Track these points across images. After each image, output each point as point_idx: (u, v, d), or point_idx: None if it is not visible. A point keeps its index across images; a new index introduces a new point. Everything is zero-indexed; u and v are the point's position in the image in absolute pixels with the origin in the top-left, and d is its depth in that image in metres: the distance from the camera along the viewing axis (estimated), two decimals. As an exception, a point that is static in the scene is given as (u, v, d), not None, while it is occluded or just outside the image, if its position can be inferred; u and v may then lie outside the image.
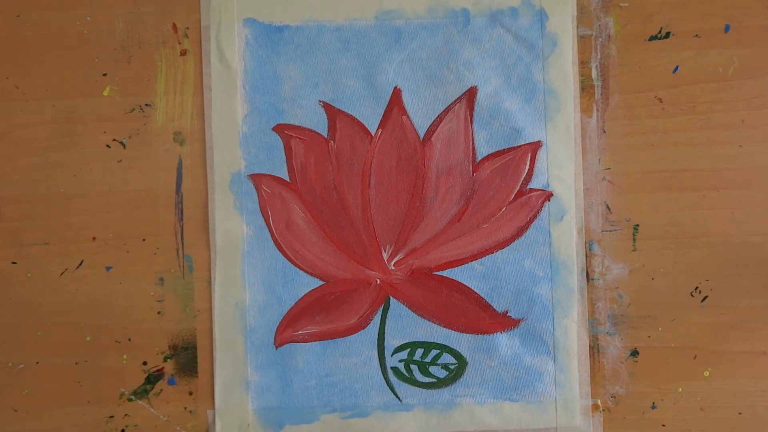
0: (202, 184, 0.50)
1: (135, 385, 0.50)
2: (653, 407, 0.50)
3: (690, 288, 0.50)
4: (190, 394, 0.50)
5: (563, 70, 0.49)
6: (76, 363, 0.50)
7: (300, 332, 0.49)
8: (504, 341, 0.49)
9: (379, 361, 0.49)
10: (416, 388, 0.50)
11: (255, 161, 0.49)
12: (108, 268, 0.49)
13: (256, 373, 0.49)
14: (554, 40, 0.49)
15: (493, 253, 0.49)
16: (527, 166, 0.49)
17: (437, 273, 0.49)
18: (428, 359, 0.49)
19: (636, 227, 0.49)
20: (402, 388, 0.50)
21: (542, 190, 0.49)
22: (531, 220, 0.49)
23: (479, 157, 0.49)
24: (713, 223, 0.49)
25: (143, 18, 0.50)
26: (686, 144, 0.50)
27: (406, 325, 0.49)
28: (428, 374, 0.50)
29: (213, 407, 0.49)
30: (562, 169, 0.49)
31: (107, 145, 0.50)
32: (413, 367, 0.50)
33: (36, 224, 0.49)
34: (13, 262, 0.49)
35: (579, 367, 0.49)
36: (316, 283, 0.49)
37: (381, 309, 0.49)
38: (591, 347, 0.49)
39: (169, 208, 0.50)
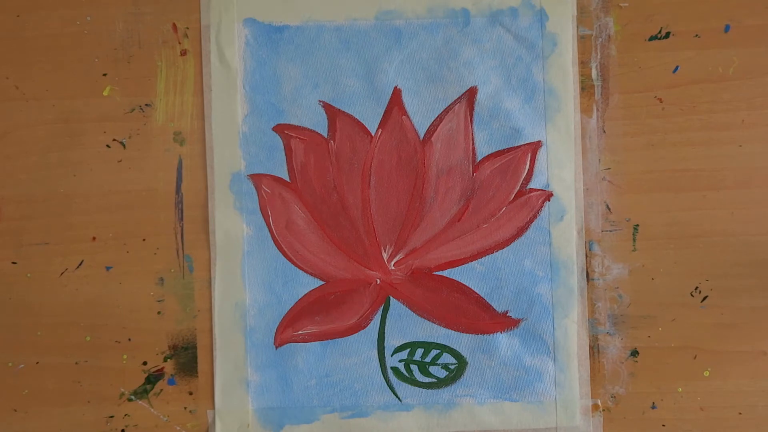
0: (202, 184, 0.50)
1: (135, 385, 0.50)
2: (653, 407, 0.50)
3: (690, 288, 0.49)
4: (190, 394, 0.50)
5: (563, 70, 0.49)
6: (76, 363, 0.50)
7: (300, 332, 0.49)
8: (504, 341, 0.49)
9: (379, 361, 0.49)
10: (416, 388, 0.50)
11: (255, 161, 0.49)
12: (108, 268, 0.49)
13: (256, 373, 0.49)
14: (554, 40, 0.49)
15: (493, 253, 0.49)
16: (527, 166, 0.49)
17: (437, 273, 0.49)
18: (428, 359, 0.49)
19: (636, 227, 0.49)
20: (402, 388, 0.50)
21: (542, 190, 0.49)
22: (531, 220, 0.49)
23: (479, 157, 0.49)
24: (713, 223, 0.49)
25: (143, 18, 0.50)
26: (686, 144, 0.50)
27: (406, 325, 0.49)
28: (428, 374, 0.49)
29: (213, 407, 0.49)
30: (562, 169, 0.49)
31: (107, 145, 0.50)
32: (413, 367, 0.50)
33: (36, 224, 0.49)
34: (13, 262, 0.49)
35: (579, 367, 0.49)
36: (316, 283, 0.49)
37: (381, 309, 0.49)
38: (591, 347, 0.49)
39: (169, 208, 0.50)
